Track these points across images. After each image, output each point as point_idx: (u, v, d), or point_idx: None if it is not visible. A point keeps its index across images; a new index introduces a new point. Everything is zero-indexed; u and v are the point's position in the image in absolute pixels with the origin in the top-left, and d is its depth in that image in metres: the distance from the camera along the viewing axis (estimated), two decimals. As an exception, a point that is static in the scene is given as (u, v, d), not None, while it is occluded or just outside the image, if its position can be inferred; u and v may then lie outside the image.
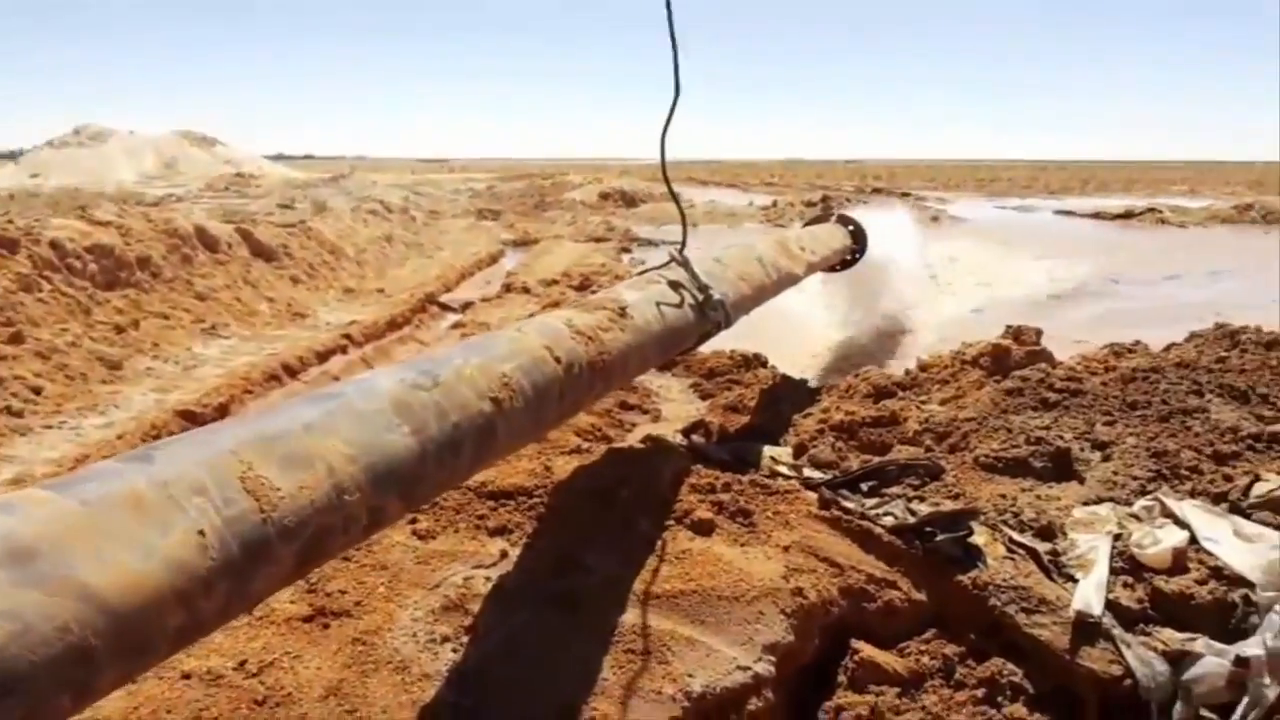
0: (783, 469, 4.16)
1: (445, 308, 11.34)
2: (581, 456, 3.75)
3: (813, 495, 3.63)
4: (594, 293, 10.42)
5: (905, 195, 38.28)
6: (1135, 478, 3.90)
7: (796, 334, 8.90)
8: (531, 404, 2.46)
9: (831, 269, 7.62)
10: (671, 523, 3.17)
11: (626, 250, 18.76)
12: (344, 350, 8.31)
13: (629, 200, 33.00)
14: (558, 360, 2.64)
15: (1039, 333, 5.31)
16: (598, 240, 19.86)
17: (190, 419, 5.87)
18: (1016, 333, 5.24)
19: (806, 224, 7.68)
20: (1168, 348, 5.53)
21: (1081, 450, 4.14)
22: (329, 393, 1.99)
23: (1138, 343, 5.39)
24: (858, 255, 7.62)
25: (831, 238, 6.92)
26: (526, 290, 11.55)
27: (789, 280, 5.24)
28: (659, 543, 3.03)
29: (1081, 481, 3.93)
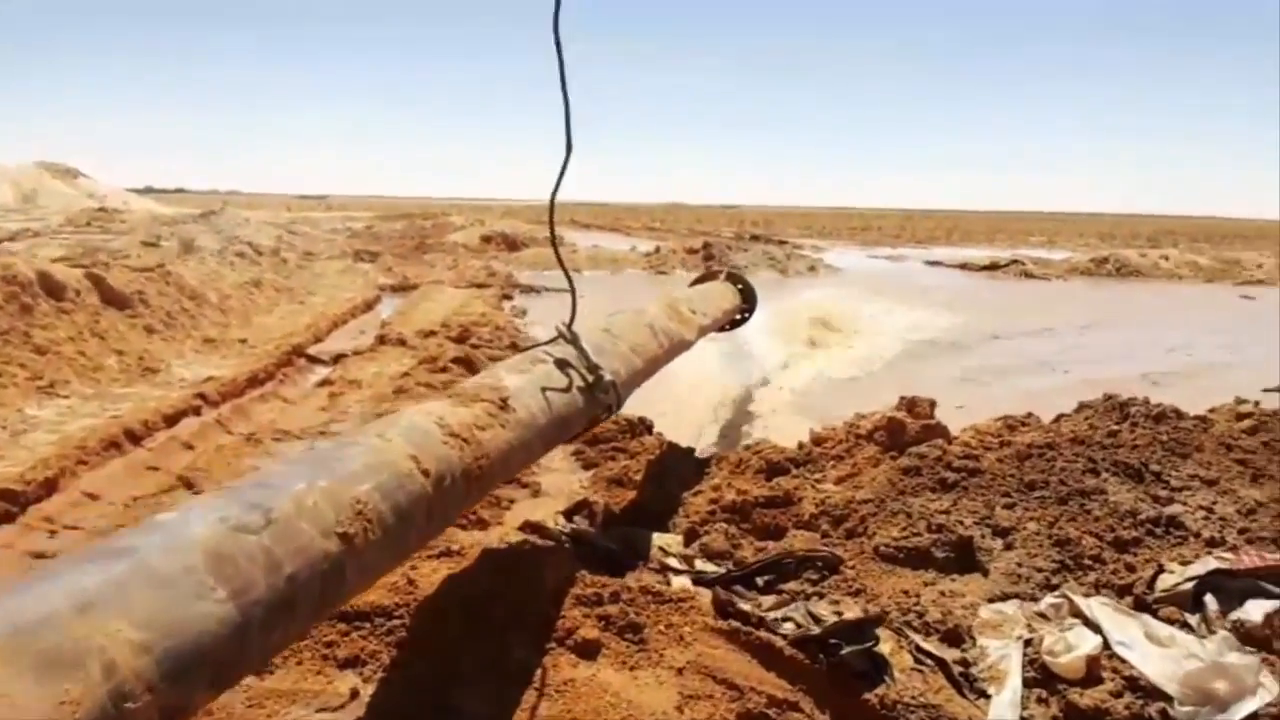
0: (673, 561, 3.86)
1: (314, 360, 10.70)
2: (452, 561, 3.35)
3: (708, 600, 3.32)
4: (474, 350, 10.05)
5: (783, 243, 39.01)
6: (1039, 569, 3.74)
7: (678, 396, 8.68)
8: (391, 532, 2.09)
9: (721, 329, 7.43)
10: (553, 645, 2.81)
11: (508, 297, 18.35)
12: (197, 411, 7.64)
13: (511, 244, 32.57)
14: (425, 474, 2.27)
15: (932, 404, 5.18)
16: (479, 286, 19.38)
17: (9, 499, 5.20)
18: (910, 404, 5.10)
19: (694, 282, 7.48)
20: (1058, 419, 5.48)
21: (983, 538, 3.97)
22: (120, 547, 1.57)
23: (1030, 415, 5.32)
24: (747, 315, 7.46)
25: (721, 297, 6.72)
26: (402, 342, 11.03)
27: (681, 347, 4.99)
28: (539, 671, 2.67)
29: (985, 573, 3.75)
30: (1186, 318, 17.41)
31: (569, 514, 4.63)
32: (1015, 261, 29.48)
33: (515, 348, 9.84)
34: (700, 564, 3.86)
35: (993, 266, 28.85)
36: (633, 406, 7.92)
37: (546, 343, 3.40)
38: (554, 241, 3.36)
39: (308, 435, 6.97)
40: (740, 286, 7.42)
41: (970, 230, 59.86)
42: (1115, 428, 4.98)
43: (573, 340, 3.26)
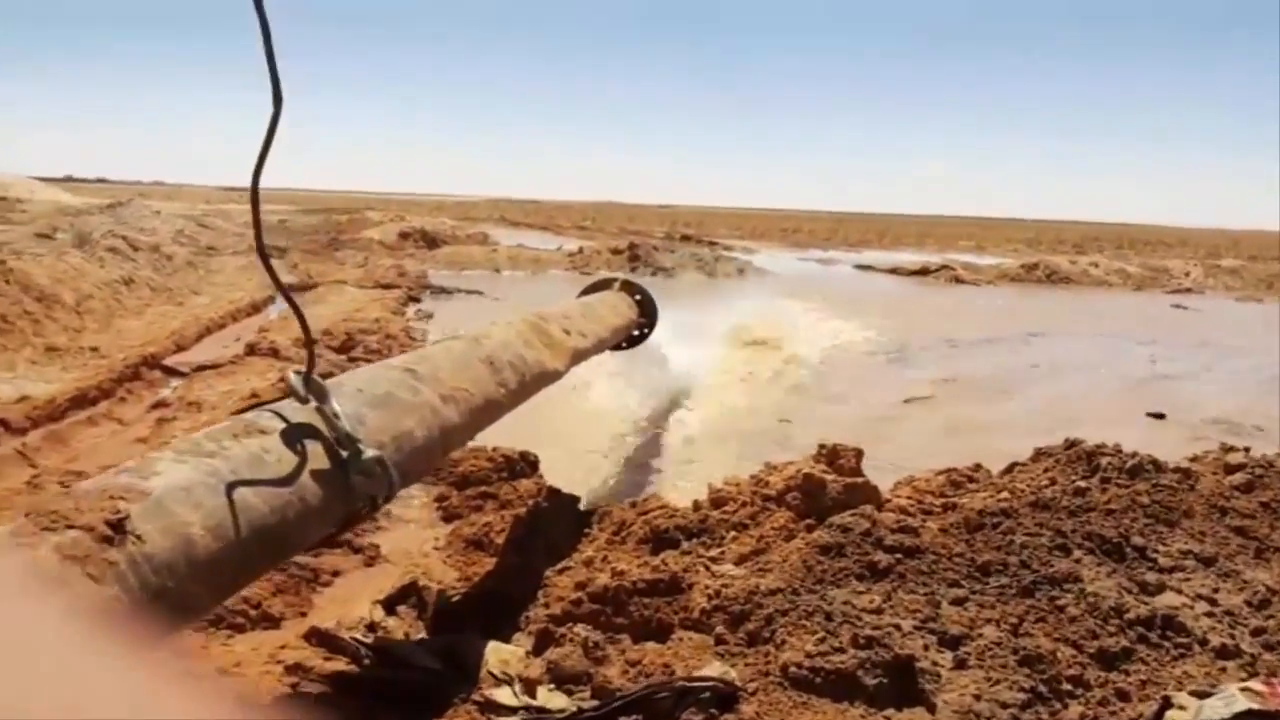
0: (505, 695, 2.77)
1: (171, 372, 9.38)
2: None
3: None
4: (352, 363, 8.83)
5: (712, 244, 38.18)
6: (1004, 702, 2.73)
7: (575, 419, 7.59)
8: None
9: (617, 347, 6.37)
10: None
11: (415, 300, 17.10)
12: (-9, 440, 6.34)
13: (430, 241, 31.15)
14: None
15: (859, 455, 4.16)
16: (385, 287, 18.07)
17: None
18: (832, 455, 4.08)
19: (584, 291, 6.39)
20: (1011, 470, 4.50)
21: (926, 650, 2.95)
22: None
23: (978, 468, 4.32)
24: (646, 330, 6.41)
25: (612, 311, 5.65)
26: (275, 353, 9.77)
27: (540, 382, 3.89)
28: None
29: (931, 708, 2.73)
30: (1127, 326, 16.81)
31: (390, 604, 3.52)
32: (946, 267, 28.97)
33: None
34: (545, 695, 2.78)
35: (923, 271, 28.33)
36: (518, 433, 6.83)
37: (272, 402, 2.26)
38: (259, 237, 2.21)
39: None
40: (638, 297, 6.36)
41: (901, 234, 59.81)
42: (1083, 484, 4.01)
43: (319, 400, 2.13)
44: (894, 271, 29.22)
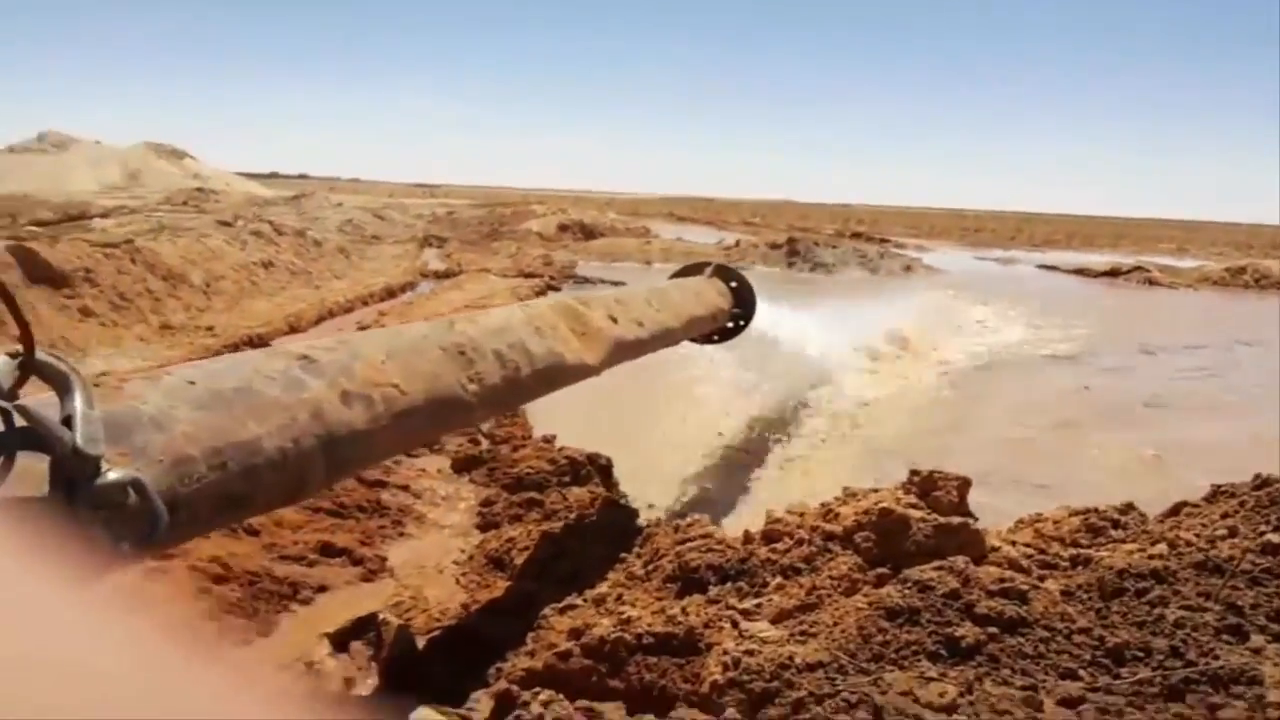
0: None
1: (280, 354, 9.20)
2: None
3: None
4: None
5: (884, 241, 36.53)
6: None
7: (673, 416, 6.81)
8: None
9: (709, 339, 5.57)
10: None
11: (554, 288, 16.72)
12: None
13: (588, 234, 31.04)
14: None
15: (964, 487, 3.21)
16: (527, 276, 17.83)
17: None
18: (927, 484, 3.14)
19: (674, 275, 5.60)
20: (1176, 511, 3.43)
21: (1013, 780, 2.04)
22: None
23: (1128, 508, 3.27)
24: (742, 323, 5.57)
25: (694, 299, 4.83)
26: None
27: (557, 377, 3.14)
28: None
29: None
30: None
31: (342, 640, 2.86)
32: (1139, 268, 26.45)
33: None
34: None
35: (1113, 273, 25.95)
36: (612, 427, 6.11)
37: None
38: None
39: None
40: (734, 284, 5.52)
41: (1093, 235, 55.84)
42: (1275, 539, 2.93)
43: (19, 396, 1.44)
44: (1080, 272, 26.95)
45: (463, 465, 5.34)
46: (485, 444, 5.97)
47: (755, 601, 2.73)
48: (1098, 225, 76.54)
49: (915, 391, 8.69)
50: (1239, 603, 2.59)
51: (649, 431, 6.63)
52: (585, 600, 3.07)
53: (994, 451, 6.54)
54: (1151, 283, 24.59)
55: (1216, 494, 3.37)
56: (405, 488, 5.02)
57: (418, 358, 2.41)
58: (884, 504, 2.88)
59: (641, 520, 4.42)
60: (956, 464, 5.47)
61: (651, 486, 5.52)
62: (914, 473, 3.33)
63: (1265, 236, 66.48)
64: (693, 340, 5.34)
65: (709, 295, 5.08)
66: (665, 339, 4.20)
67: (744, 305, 5.53)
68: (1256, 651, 2.47)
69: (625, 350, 3.68)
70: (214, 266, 12.23)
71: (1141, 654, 2.43)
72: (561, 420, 6.39)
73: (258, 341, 9.23)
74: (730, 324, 5.55)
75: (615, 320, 3.66)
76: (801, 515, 3.22)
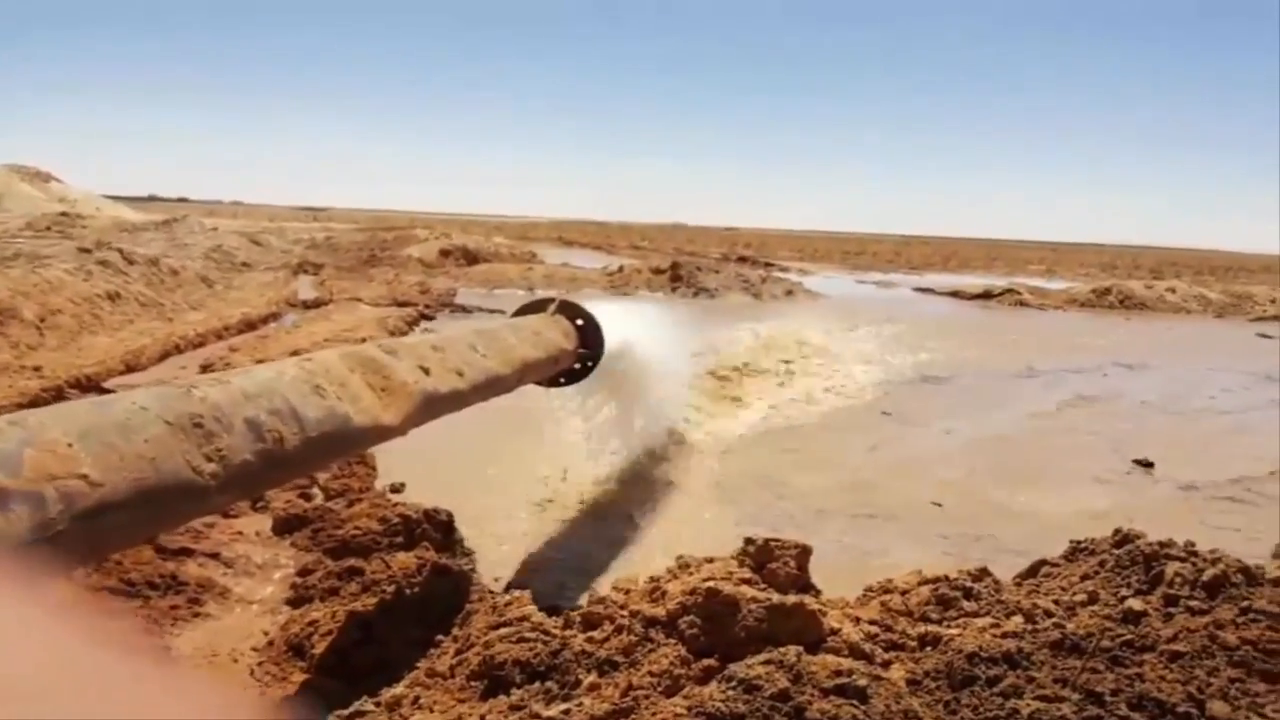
0: None
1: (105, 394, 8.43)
2: None
3: None
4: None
5: (769, 265, 36.94)
6: None
7: (539, 460, 6.41)
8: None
9: (555, 382, 5.19)
10: None
11: (428, 317, 16.16)
12: None
13: (471, 259, 30.44)
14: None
15: (803, 557, 2.89)
16: (401, 305, 17.18)
17: None
18: (761, 555, 2.81)
19: (518, 312, 5.20)
20: (1034, 572, 3.18)
21: None
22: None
23: (983, 574, 2.99)
24: (590, 364, 5.21)
25: (530, 341, 4.44)
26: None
27: (342, 444, 2.70)
28: None
29: None
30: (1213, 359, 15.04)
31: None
32: (1010, 290, 27.27)
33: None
34: None
35: (986, 295, 26.68)
36: (446, 476, 5.68)
37: None
38: None
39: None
40: (580, 323, 5.16)
41: (968, 257, 57.74)
42: (1137, 605, 2.69)
43: None
44: (955, 294, 27.62)
45: (286, 526, 4.82)
46: (319, 498, 5.47)
47: (563, 707, 2.33)
48: (972, 248, 79.37)
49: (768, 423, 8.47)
50: (1098, 689, 2.32)
51: (517, 471, 6.22)
52: (379, 705, 2.63)
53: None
54: (1022, 304, 25.32)
55: (1076, 551, 3.14)
56: (215, 555, 4.49)
57: (127, 436, 1.96)
58: (712, 583, 2.53)
59: (487, 584, 4.00)
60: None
61: (510, 542, 5.11)
62: (749, 541, 3.00)
63: (1128, 258, 69.82)
64: (537, 384, 4.96)
65: (550, 335, 4.70)
66: (492, 388, 3.79)
67: (591, 345, 5.17)
68: (1117, 745, 2.20)
69: (439, 405, 3.26)
70: (51, 300, 11.30)
71: (992, 756, 2.13)
72: (424, 461, 5.93)
73: (87, 384, 8.46)
74: (577, 365, 5.18)
75: (427, 371, 3.24)
76: (627, 593, 2.85)
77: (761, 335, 13.77)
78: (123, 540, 2.00)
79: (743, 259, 40.57)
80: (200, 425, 2.15)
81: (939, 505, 6.06)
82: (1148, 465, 7.34)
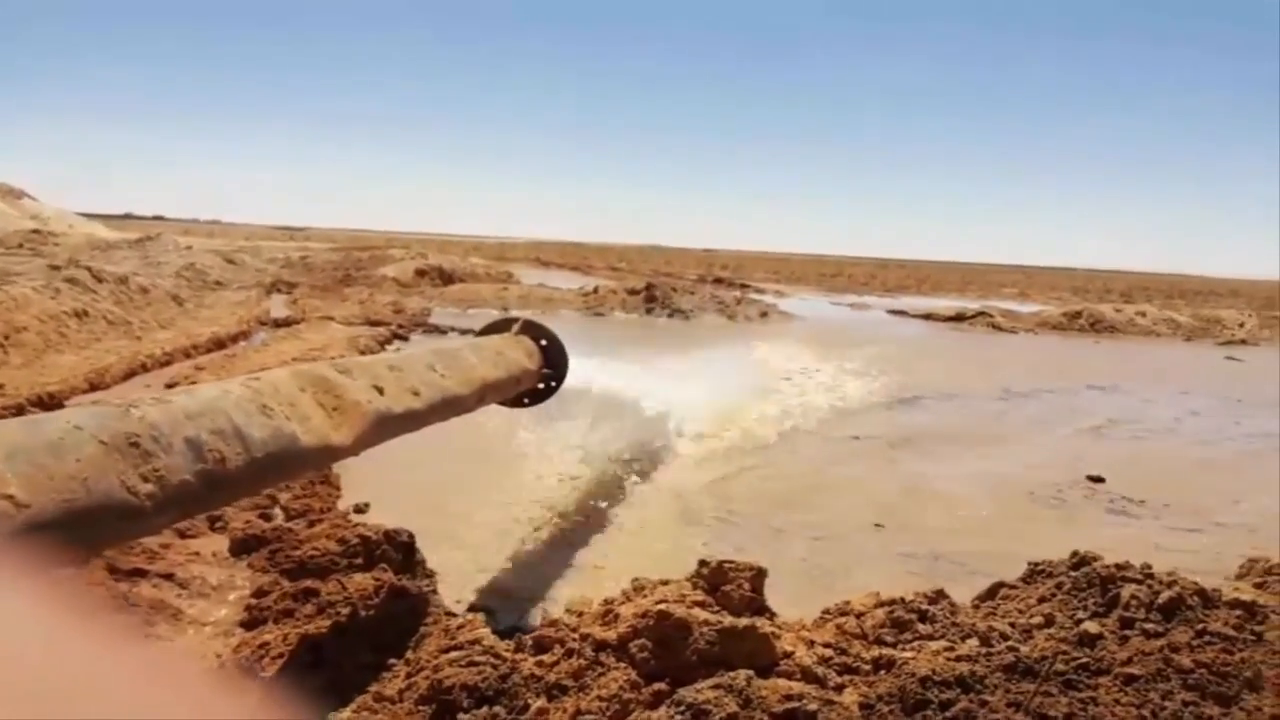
0: None
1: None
2: None
3: None
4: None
5: (744, 286, 37.07)
6: None
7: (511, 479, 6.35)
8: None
9: (519, 403, 5.14)
10: None
11: (401, 337, 16.06)
12: None
13: (446, 278, 30.34)
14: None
15: (757, 577, 2.86)
16: (374, 324, 17.09)
17: None
18: (715, 577, 2.78)
19: (480, 332, 5.16)
20: (992, 594, 3.16)
21: None
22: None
23: (939, 596, 2.96)
24: (554, 384, 5.17)
25: (491, 360, 4.39)
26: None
27: (288, 463, 2.65)
28: None
29: None
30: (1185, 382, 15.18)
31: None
32: (982, 313, 27.47)
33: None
34: None
35: (958, 318, 26.86)
36: (413, 496, 5.63)
37: None
38: None
39: None
40: (544, 343, 5.12)
41: (942, 280, 58.20)
42: (1092, 628, 2.68)
43: None
44: (928, 317, 27.79)
45: (243, 546, 4.74)
46: (279, 518, 5.40)
47: (513, 732, 2.29)
48: (946, 271, 79.95)
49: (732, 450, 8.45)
50: (1051, 713, 2.30)
51: (486, 491, 6.16)
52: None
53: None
54: (995, 327, 25.51)
55: (1034, 573, 3.12)
56: (169, 576, 4.41)
57: (59, 456, 1.91)
58: (664, 606, 2.49)
59: (449, 606, 3.95)
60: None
61: (483, 557, 5.07)
62: (703, 563, 2.96)
63: (1099, 281, 70.61)
64: (500, 404, 4.91)
65: (512, 355, 4.65)
66: (449, 408, 3.74)
67: (554, 365, 5.13)
68: (1069, 771, 2.18)
69: (392, 425, 3.21)
70: (16, 317, 11.15)
71: (944, 783, 2.10)
72: (389, 481, 5.87)
73: (50, 401, 8.33)
74: (541, 385, 5.14)
75: (381, 391, 3.19)
76: (580, 615, 2.81)
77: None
78: (54, 561, 1.94)
79: (719, 280, 40.71)
80: (137, 445, 2.10)
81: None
82: (1098, 480, 7.43)
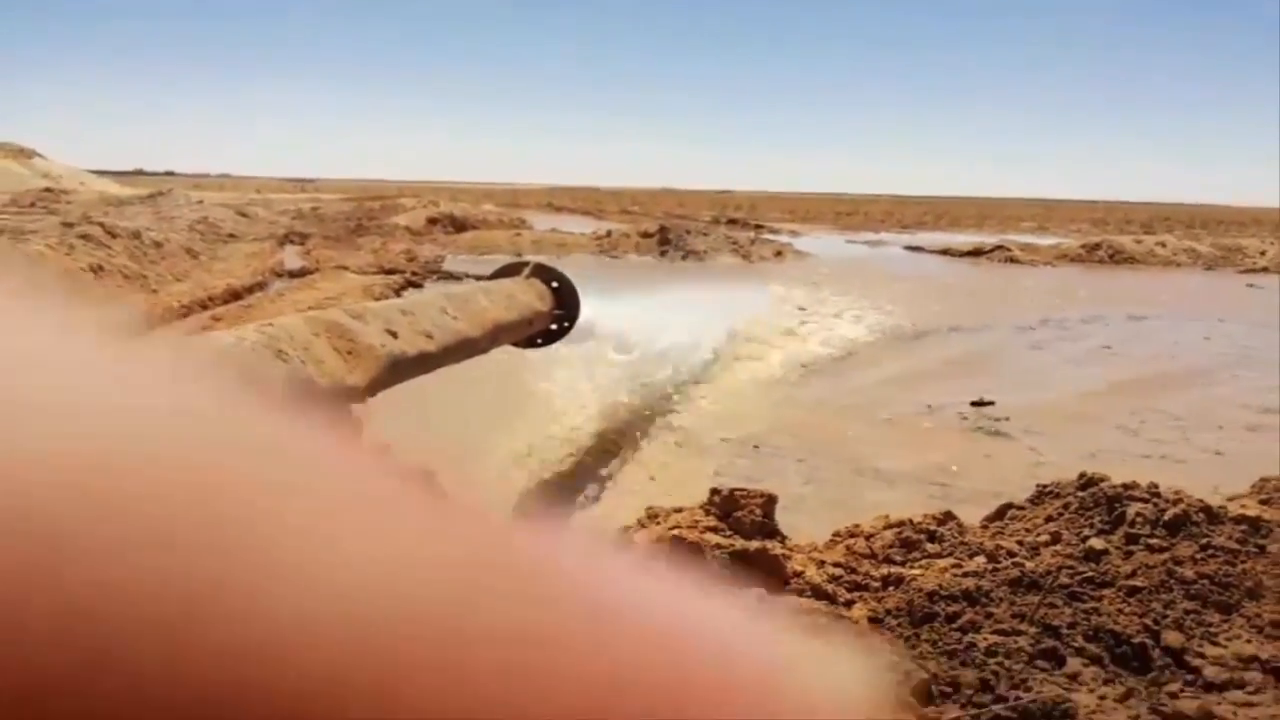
0: None
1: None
2: None
3: None
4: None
5: (759, 227, 36.88)
6: None
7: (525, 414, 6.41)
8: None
9: (531, 343, 5.19)
10: None
11: (415, 284, 16.11)
12: None
13: (459, 226, 30.30)
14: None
15: (768, 504, 2.93)
16: (388, 272, 17.16)
17: None
18: (727, 504, 2.85)
19: (492, 275, 5.20)
20: (1000, 515, 3.22)
21: None
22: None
23: (947, 517, 3.03)
24: (567, 325, 5.22)
25: (502, 303, 4.44)
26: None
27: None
28: None
29: None
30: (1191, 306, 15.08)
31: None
32: (1000, 247, 27.27)
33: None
34: None
35: (976, 252, 26.69)
36: (430, 434, 5.70)
37: None
38: None
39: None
40: (556, 285, 5.15)
41: (959, 216, 57.63)
42: (1098, 544, 2.74)
43: None
44: (945, 252, 27.62)
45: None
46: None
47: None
48: (964, 206, 79.15)
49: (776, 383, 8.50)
50: (1055, 623, 2.36)
51: (509, 424, 6.24)
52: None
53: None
54: (1013, 260, 25.35)
55: (1042, 495, 3.18)
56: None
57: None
58: (677, 531, 2.57)
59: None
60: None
61: (496, 496, 5.14)
62: (715, 491, 3.03)
63: (1120, 213, 69.81)
64: (513, 345, 4.96)
65: (524, 298, 4.70)
66: (463, 350, 3.80)
67: (566, 306, 5.18)
68: (1073, 677, 2.24)
69: (406, 367, 3.27)
70: (32, 275, 11.25)
71: (949, 689, 2.17)
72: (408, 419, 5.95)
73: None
74: (554, 326, 5.19)
75: (395, 334, 3.25)
76: (595, 543, 2.89)
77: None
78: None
79: (733, 221, 40.47)
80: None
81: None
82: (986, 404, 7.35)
